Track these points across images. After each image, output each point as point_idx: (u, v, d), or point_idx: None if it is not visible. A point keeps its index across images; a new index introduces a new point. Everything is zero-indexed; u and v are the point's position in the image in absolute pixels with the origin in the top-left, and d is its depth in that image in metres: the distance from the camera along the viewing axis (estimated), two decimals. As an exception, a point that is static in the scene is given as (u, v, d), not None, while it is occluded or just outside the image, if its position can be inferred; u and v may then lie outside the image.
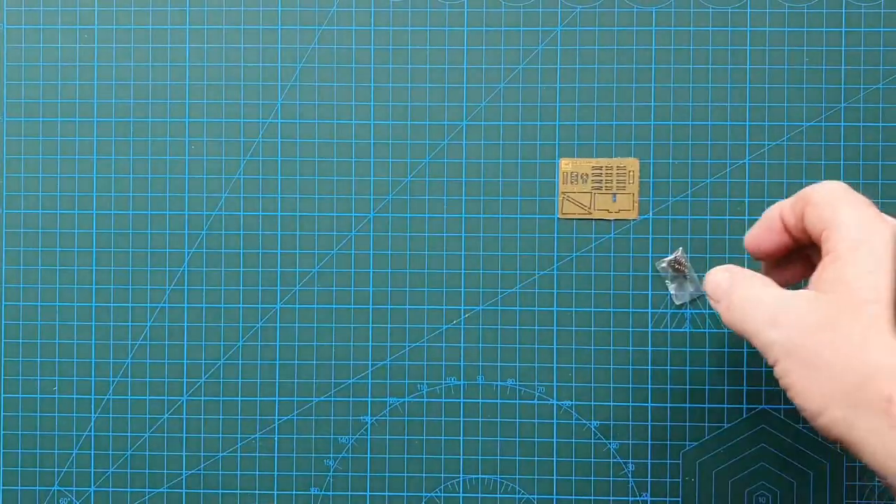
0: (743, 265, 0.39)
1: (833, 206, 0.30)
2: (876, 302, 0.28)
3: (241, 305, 0.40)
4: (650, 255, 0.40)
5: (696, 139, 0.39)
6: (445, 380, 0.40)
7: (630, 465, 0.40)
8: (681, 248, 0.38)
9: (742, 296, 0.32)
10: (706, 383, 0.39)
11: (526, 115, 0.40)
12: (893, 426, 0.26)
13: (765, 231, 0.34)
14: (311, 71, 0.40)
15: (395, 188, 0.40)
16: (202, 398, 0.40)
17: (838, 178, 0.39)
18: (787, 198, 0.39)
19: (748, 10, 0.39)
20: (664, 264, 0.39)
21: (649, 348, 0.40)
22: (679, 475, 0.39)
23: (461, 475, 0.40)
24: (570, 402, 0.40)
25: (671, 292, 0.39)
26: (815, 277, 0.30)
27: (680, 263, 0.39)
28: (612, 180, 0.40)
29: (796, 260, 0.34)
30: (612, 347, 0.40)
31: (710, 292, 0.34)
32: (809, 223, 0.31)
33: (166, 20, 0.41)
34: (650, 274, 0.40)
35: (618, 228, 0.40)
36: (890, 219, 0.30)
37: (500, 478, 0.40)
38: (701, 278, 0.39)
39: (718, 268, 0.34)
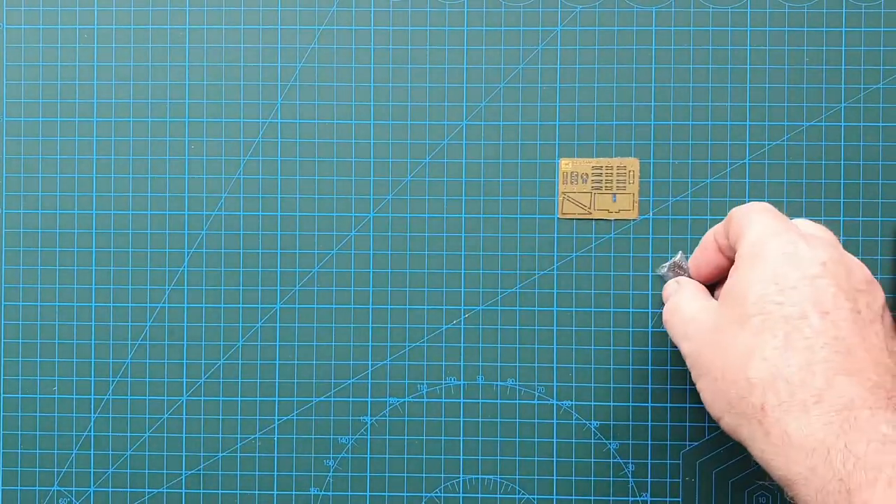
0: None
1: (744, 221, 0.32)
2: (758, 314, 0.29)
3: (241, 305, 0.40)
4: (650, 255, 0.40)
5: (696, 139, 0.39)
6: (445, 380, 0.40)
7: (630, 465, 0.40)
8: (680, 252, 0.38)
9: (670, 307, 0.35)
10: (706, 383, 0.39)
11: (526, 115, 0.40)
12: (767, 433, 0.28)
13: (701, 253, 0.36)
14: (311, 71, 0.40)
15: (395, 188, 0.40)
16: (202, 398, 0.40)
17: (838, 178, 0.39)
18: (786, 197, 0.40)
19: (748, 10, 0.39)
20: (665, 269, 0.39)
21: (649, 348, 0.40)
22: (679, 475, 0.39)
23: (461, 475, 0.40)
24: (570, 402, 0.40)
25: None
26: (721, 291, 0.32)
27: (680, 268, 0.38)
28: (612, 180, 0.40)
29: None
30: (612, 347, 0.40)
31: (664, 299, 0.37)
32: (731, 240, 0.33)
33: (166, 20, 0.41)
34: (650, 274, 0.40)
35: (618, 228, 0.40)
36: (795, 231, 0.31)
37: (500, 478, 0.40)
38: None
39: (673, 279, 0.37)
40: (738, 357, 0.29)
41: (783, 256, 0.30)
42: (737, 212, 0.33)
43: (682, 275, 0.38)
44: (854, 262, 0.31)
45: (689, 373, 0.33)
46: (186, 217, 0.40)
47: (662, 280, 0.39)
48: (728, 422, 0.30)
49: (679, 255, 0.38)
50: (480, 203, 0.40)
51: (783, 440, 0.27)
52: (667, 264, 0.38)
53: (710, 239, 0.35)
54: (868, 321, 0.29)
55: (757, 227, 0.31)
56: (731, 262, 0.34)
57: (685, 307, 0.34)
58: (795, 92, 0.39)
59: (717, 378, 0.30)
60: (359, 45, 0.40)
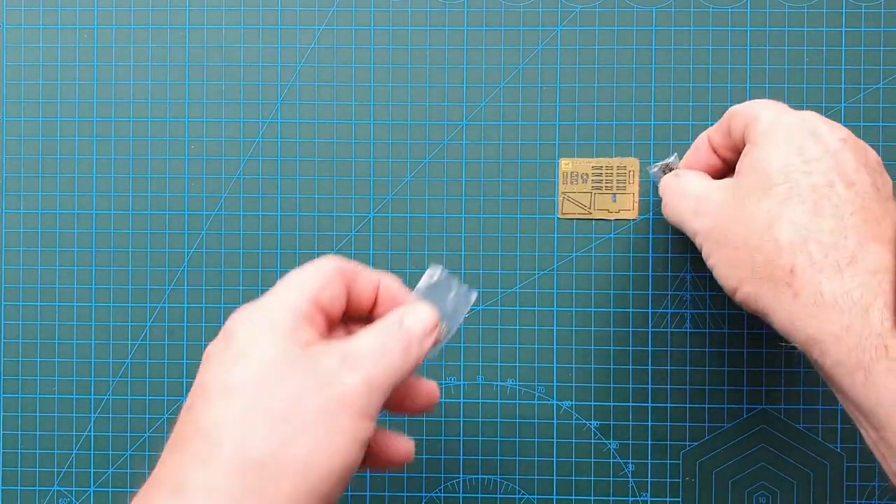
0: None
1: (753, 109, 0.32)
2: (784, 182, 0.29)
3: (240, 305, 0.40)
4: (650, 255, 0.40)
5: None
6: (445, 380, 0.40)
7: (630, 465, 0.40)
8: (674, 154, 0.38)
9: (672, 191, 0.35)
10: (706, 383, 0.39)
11: (526, 115, 0.40)
12: (796, 294, 0.28)
13: (695, 154, 0.36)
14: (311, 71, 0.40)
15: (395, 188, 0.40)
16: (202, 398, 0.40)
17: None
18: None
19: (748, 10, 0.39)
20: (656, 168, 0.38)
21: (649, 348, 0.40)
22: (679, 475, 0.39)
23: (461, 475, 0.40)
24: (570, 402, 0.40)
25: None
26: (736, 167, 0.32)
27: (671, 169, 0.38)
28: (612, 180, 0.40)
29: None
30: (612, 347, 0.40)
31: (660, 192, 0.36)
32: (735, 132, 0.33)
33: (166, 20, 0.41)
34: (650, 274, 0.40)
35: (618, 228, 0.40)
36: (805, 112, 0.32)
37: (501, 478, 0.40)
38: None
39: (672, 172, 0.36)
40: (762, 222, 0.29)
41: (804, 131, 0.30)
42: (739, 107, 0.33)
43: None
44: (866, 144, 0.31)
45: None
46: (186, 217, 0.40)
47: (652, 179, 0.39)
48: (748, 290, 0.30)
49: (673, 157, 0.37)
50: (480, 203, 0.40)
51: (816, 300, 0.28)
52: (659, 164, 0.38)
53: (704, 140, 0.35)
54: (885, 198, 0.29)
55: (769, 111, 0.32)
56: (726, 162, 0.35)
57: (692, 188, 0.34)
58: (795, 92, 0.39)
59: (737, 247, 0.30)
60: (359, 45, 0.40)
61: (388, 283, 0.30)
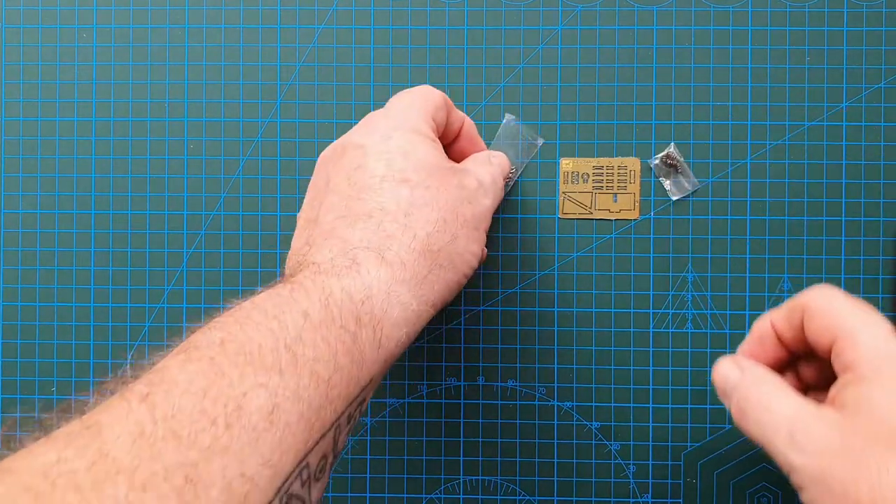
0: (743, 264, 0.39)
1: (840, 317, 0.28)
2: None
3: (240, 306, 0.40)
4: (651, 255, 0.39)
5: (697, 139, 0.39)
6: (445, 380, 0.40)
7: (631, 466, 0.39)
8: (672, 144, 0.38)
9: (754, 402, 0.29)
10: (707, 384, 0.39)
11: (527, 115, 0.40)
12: None
13: (757, 345, 0.32)
14: (311, 70, 0.40)
15: (395, 188, 0.40)
16: (201, 399, 0.40)
17: (840, 178, 0.39)
18: (787, 197, 0.39)
19: (749, 10, 0.39)
20: (657, 161, 0.38)
21: (650, 349, 0.39)
22: (680, 476, 0.39)
23: (461, 476, 0.40)
24: (571, 403, 0.40)
25: (667, 188, 0.39)
26: (835, 396, 0.28)
27: (671, 157, 0.38)
28: (613, 180, 0.39)
29: (786, 371, 0.32)
30: (613, 348, 0.39)
31: (717, 386, 0.31)
32: (813, 334, 0.29)
33: (165, 20, 0.40)
34: (651, 274, 0.39)
35: (619, 228, 0.40)
36: None
37: (501, 479, 0.40)
38: (693, 168, 0.39)
39: (726, 358, 0.31)
40: (891, 482, 0.25)
41: None
42: (816, 306, 0.29)
43: (673, 164, 0.38)
44: None
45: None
46: (185, 217, 0.40)
47: (653, 171, 0.39)
48: None
49: (672, 147, 0.37)
50: (481, 203, 0.40)
51: None
52: (658, 156, 0.37)
53: (767, 329, 0.31)
54: None
55: (867, 331, 0.28)
56: (791, 354, 0.31)
57: (783, 408, 0.28)
58: (797, 91, 0.39)
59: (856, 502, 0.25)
60: (358, 44, 0.40)
61: (471, 122, 0.36)
